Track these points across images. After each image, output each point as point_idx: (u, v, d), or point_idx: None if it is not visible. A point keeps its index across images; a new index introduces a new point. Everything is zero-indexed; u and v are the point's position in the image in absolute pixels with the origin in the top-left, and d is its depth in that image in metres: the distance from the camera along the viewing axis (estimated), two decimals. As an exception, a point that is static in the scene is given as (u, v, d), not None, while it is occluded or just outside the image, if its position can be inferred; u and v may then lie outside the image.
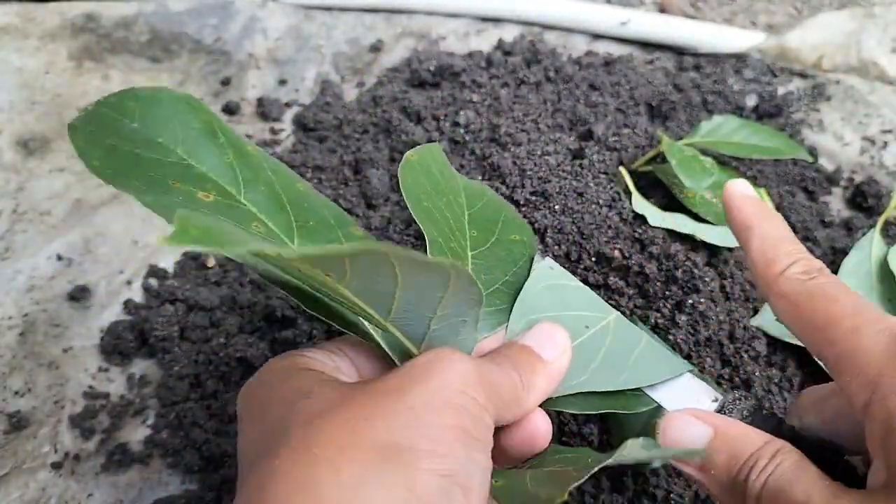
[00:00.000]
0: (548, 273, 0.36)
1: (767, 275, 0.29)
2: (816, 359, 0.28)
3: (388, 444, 0.23)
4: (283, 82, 0.70)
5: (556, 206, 0.48)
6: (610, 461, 0.25)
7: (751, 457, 0.26)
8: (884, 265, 0.49)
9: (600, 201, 0.49)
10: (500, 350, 0.30)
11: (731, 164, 0.58)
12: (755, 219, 0.30)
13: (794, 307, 0.28)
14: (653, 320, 0.45)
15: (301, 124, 0.66)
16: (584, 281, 0.46)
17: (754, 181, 0.58)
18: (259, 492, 0.22)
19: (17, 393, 0.49)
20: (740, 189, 0.31)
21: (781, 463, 0.25)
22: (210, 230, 0.19)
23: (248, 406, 0.28)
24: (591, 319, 0.34)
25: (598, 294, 0.46)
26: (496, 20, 0.76)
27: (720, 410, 0.31)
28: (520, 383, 0.28)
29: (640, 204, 0.49)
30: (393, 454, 0.22)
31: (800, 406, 0.31)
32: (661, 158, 0.54)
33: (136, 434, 0.48)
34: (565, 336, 0.30)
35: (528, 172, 0.51)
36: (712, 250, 0.49)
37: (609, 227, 0.48)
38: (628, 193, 0.51)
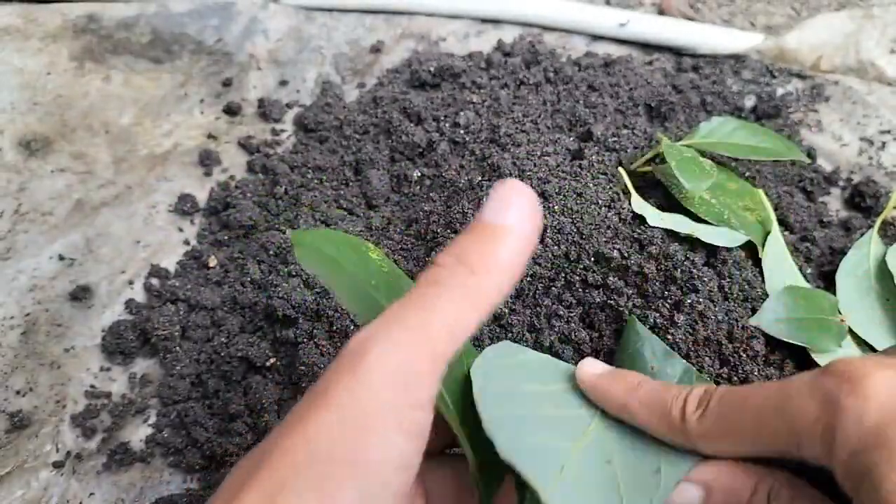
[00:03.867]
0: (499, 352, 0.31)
1: (677, 431, 0.27)
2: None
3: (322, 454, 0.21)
4: (284, 83, 0.71)
5: (556, 207, 0.48)
6: None
7: None
8: (882, 265, 0.49)
9: (599, 201, 0.49)
10: (447, 254, 0.25)
11: (729, 164, 0.58)
12: (620, 393, 0.28)
13: (723, 436, 0.26)
14: (651, 320, 0.45)
15: (302, 125, 0.66)
16: (584, 281, 0.47)
17: (753, 181, 0.58)
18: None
19: (18, 392, 0.49)
20: (587, 374, 0.30)
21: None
22: None
23: None
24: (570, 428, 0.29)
25: (598, 294, 0.46)
26: (496, 21, 0.77)
27: None
28: (476, 287, 0.24)
29: (639, 204, 0.50)
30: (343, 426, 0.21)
31: None
32: (659, 159, 0.54)
33: (137, 433, 0.48)
34: (529, 195, 0.26)
35: (528, 173, 0.51)
36: (711, 250, 0.49)
37: (608, 227, 0.48)
38: (627, 194, 0.51)
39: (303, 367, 0.46)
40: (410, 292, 0.24)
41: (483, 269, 0.24)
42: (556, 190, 0.49)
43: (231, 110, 0.67)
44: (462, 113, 0.60)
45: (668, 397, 0.28)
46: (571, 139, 0.57)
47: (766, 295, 0.47)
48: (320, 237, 0.30)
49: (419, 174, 0.58)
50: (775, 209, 0.55)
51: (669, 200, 0.53)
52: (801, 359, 0.46)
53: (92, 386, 0.50)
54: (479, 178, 0.53)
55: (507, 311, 0.46)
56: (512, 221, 0.25)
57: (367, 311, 0.28)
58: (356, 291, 0.29)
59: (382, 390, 0.22)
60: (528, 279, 0.46)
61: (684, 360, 0.43)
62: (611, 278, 0.46)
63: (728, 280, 0.47)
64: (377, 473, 0.21)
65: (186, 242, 0.58)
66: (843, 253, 0.52)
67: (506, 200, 0.25)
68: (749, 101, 0.68)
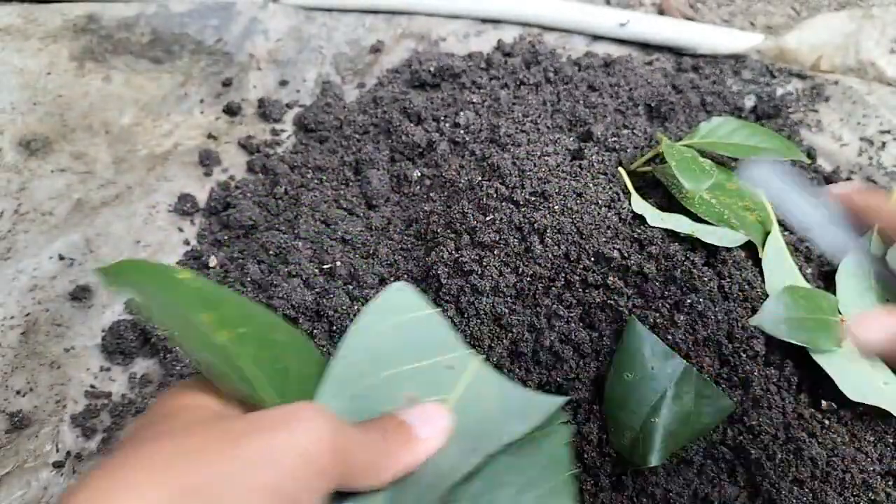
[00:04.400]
0: (396, 303, 0.31)
1: None
2: None
3: (190, 487, 0.21)
4: (284, 83, 0.71)
5: (556, 207, 0.48)
6: None
7: None
8: (882, 265, 0.49)
9: (599, 202, 0.49)
10: (376, 420, 0.28)
11: (729, 164, 0.58)
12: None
13: None
14: (651, 320, 0.45)
15: (302, 125, 0.66)
16: (584, 281, 0.47)
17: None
18: None
19: (18, 392, 0.49)
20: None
21: None
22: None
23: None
24: (449, 367, 0.30)
25: (598, 294, 0.46)
26: (496, 21, 0.77)
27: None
28: (385, 454, 0.27)
29: (639, 204, 0.50)
30: (189, 499, 0.21)
31: None
32: (659, 159, 0.54)
33: (137, 433, 0.48)
34: (447, 419, 0.29)
35: (528, 173, 0.51)
36: (711, 250, 0.49)
37: (608, 227, 0.48)
38: (627, 194, 0.51)
39: (303, 367, 0.46)
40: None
41: (393, 460, 0.27)
42: (556, 190, 0.49)
43: (231, 110, 0.67)
44: (462, 113, 0.60)
45: None
46: (571, 139, 0.57)
47: (766, 295, 0.47)
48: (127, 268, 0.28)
49: (419, 174, 0.58)
50: (775, 209, 0.55)
51: (669, 200, 0.53)
52: (801, 359, 0.46)
53: (92, 386, 0.50)
54: (479, 178, 0.53)
55: (507, 310, 0.46)
56: (426, 435, 0.28)
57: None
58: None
59: None
60: (529, 279, 0.47)
61: (684, 360, 0.43)
62: (611, 278, 0.46)
63: (728, 280, 0.47)
64: None
65: (186, 242, 0.58)
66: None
67: (430, 418, 0.29)
68: (749, 101, 0.68)
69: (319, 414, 0.25)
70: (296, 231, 0.54)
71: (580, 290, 0.46)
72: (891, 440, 0.45)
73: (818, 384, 0.46)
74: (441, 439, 0.28)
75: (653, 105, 0.64)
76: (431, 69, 0.66)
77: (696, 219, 0.50)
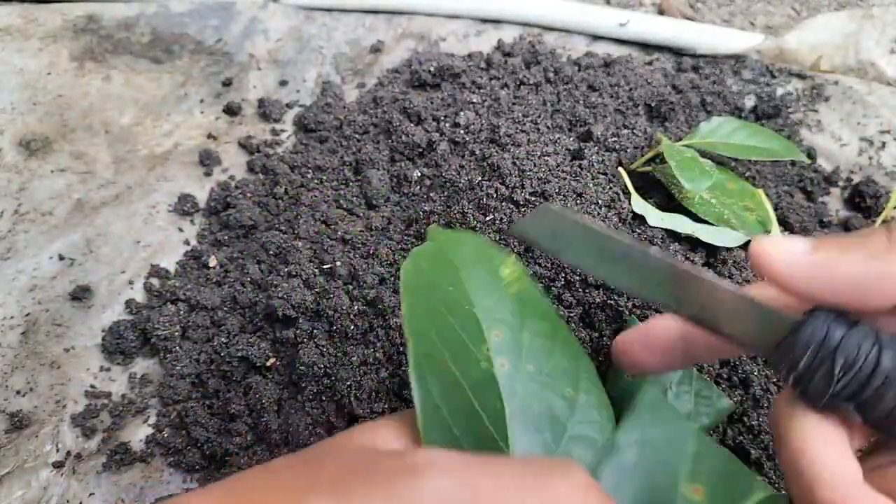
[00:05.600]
0: None
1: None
2: None
3: None
4: (283, 83, 0.71)
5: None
6: None
7: None
8: None
9: (599, 202, 0.49)
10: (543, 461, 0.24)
11: (729, 164, 0.58)
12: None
13: None
14: (652, 320, 0.45)
15: (302, 125, 0.66)
16: (584, 280, 0.47)
17: (752, 181, 0.58)
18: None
19: (18, 392, 0.49)
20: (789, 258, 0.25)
21: None
22: None
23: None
24: None
25: (598, 294, 0.46)
26: (496, 21, 0.77)
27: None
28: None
29: (639, 204, 0.50)
30: None
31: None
32: (659, 159, 0.54)
33: (137, 433, 0.48)
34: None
35: (528, 173, 0.51)
36: (711, 250, 0.49)
37: (608, 227, 0.48)
38: (627, 194, 0.51)
39: (302, 367, 0.46)
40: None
41: None
42: (556, 190, 0.49)
43: (231, 110, 0.67)
44: (462, 113, 0.60)
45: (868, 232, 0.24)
46: (571, 139, 0.57)
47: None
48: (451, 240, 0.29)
49: (419, 174, 0.58)
50: (775, 209, 0.55)
51: (670, 200, 0.53)
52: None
53: (92, 386, 0.50)
54: (479, 178, 0.53)
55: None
56: None
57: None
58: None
59: None
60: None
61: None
62: (611, 278, 0.46)
63: (728, 280, 0.47)
64: None
65: (186, 242, 0.58)
66: (842, 253, 0.52)
67: None
68: (749, 102, 0.68)
69: (580, 469, 0.22)
70: (296, 231, 0.54)
71: (580, 289, 0.46)
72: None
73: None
74: None
75: (653, 105, 0.64)
76: (431, 69, 0.66)
77: (696, 219, 0.50)
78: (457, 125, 0.60)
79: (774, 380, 0.45)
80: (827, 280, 0.23)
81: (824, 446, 0.23)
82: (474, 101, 0.62)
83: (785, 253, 0.24)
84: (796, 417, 0.24)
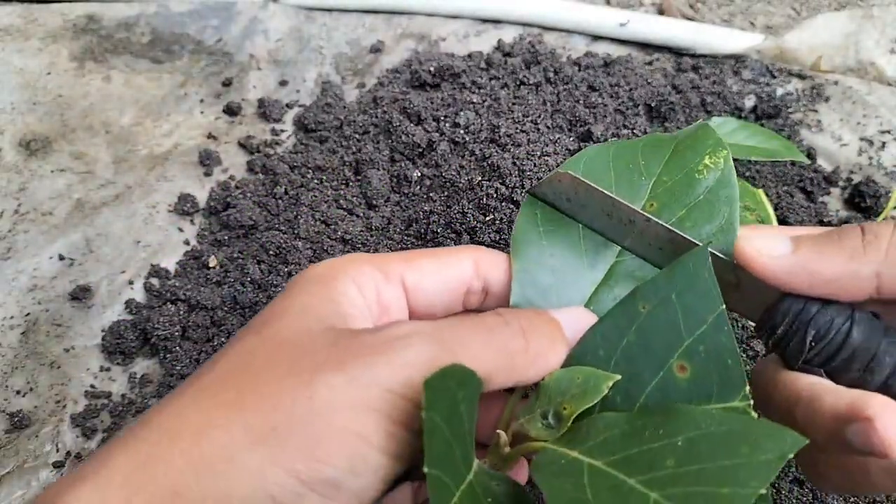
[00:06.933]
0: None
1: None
2: None
3: (268, 428, 0.21)
4: (283, 83, 0.71)
5: (556, 207, 0.48)
6: None
7: None
8: None
9: (599, 201, 0.49)
10: (519, 312, 0.27)
11: (729, 164, 0.58)
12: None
13: None
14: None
15: (302, 125, 0.66)
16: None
17: (752, 181, 0.58)
18: (143, 426, 0.23)
19: (18, 392, 0.49)
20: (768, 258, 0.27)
21: None
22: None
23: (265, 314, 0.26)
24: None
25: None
26: (496, 21, 0.77)
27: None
28: (523, 350, 0.26)
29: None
30: (265, 439, 0.21)
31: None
32: (660, 159, 0.54)
33: (137, 433, 0.48)
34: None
35: (528, 173, 0.51)
36: (711, 250, 0.49)
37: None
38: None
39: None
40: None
41: (535, 356, 0.26)
42: (556, 190, 0.49)
43: (231, 110, 0.67)
44: (462, 113, 0.60)
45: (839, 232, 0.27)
46: (571, 139, 0.57)
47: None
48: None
49: (419, 174, 0.58)
50: (775, 209, 0.55)
51: (669, 200, 0.53)
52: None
53: (92, 386, 0.50)
54: (479, 178, 0.53)
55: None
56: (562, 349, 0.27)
57: None
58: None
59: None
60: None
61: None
62: (611, 278, 0.46)
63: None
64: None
65: (186, 242, 0.58)
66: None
67: (581, 324, 0.28)
68: (749, 102, 0.68)
69: (427, 334, 0.24)
70: (296, 231, 0.54)
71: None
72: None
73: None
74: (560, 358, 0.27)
75: (653, 105, 0.64)
76: (431, 69, 0.66)
77: (696, 219, 0.50)
78: (457, 125, 0.60)
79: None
80: (806, 277, 0.26)
81: (809, 376, 0.26)
82: (474, 101, 0.62)
83: (767, 252, 0.26)
84: (780, 371, 0.27)
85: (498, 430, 0.27)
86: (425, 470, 0.20)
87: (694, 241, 0.28)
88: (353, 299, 0.27)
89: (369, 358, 0.23)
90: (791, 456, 0.20)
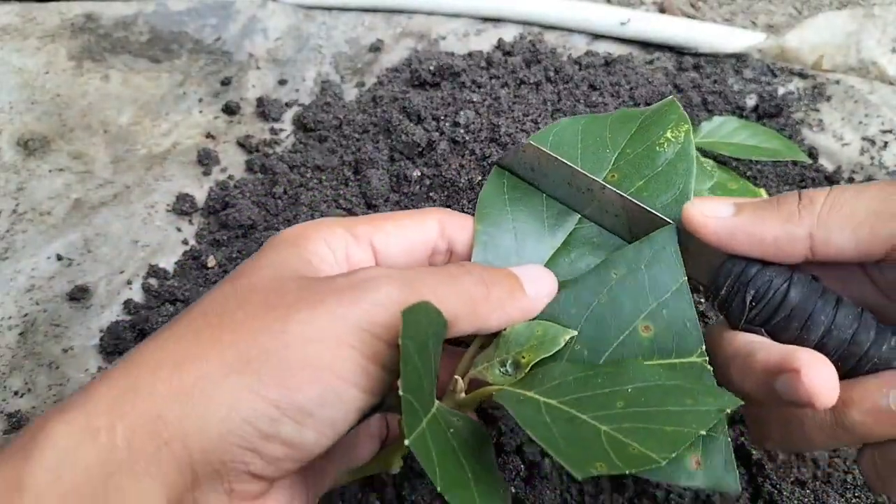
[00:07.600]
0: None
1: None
2: None
3: (246, 358, 0.23)
4: (283, 82, 0.70)
5: (556, 207, 0.48)
6: None
7: None
8: None
9: (600, 201, 0.49)
10: (480, 265, 0.29)
11: (731, 164, 0.58)
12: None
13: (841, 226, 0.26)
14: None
15: (301, 124, 0.66)
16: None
17: (754, 181, 0.58)
18: (127, 363, 0.24)
19: (16, 393, 0.49)
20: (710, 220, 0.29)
21: None
22: None
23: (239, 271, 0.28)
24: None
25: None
26: (496, 20, 0.76)
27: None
28: (485, 297, 0.27)
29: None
30: (241, 369, 0.23)
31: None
32: (660, 158, 0.54)
33: (136, 434, 0.48)
34: (553, 284, 0.30)
35: (528, 172, 0.51)
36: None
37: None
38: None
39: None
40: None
41: (494, 305, 0.28)
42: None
43: (230, 109, 0.67)
44: (462, 112, 0.60)
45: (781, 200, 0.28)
46: (572, 139, 0.57)
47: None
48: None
49: (419, 174, 0.58)
50: (777, 209, 0.55)
51: (670, 200, 0.52)
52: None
53: (90, 386, 0.49)
54: (479, 178, 0.53)
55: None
56: (531, 293, 0.29)
57: None
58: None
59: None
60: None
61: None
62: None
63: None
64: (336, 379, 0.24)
65: (185, 242, 0.58)
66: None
67: (539, 280, 0.30)
68: (750, 101, 0.68)
69: (394, 279, 0.25)
70: (295, 231, 0.54)
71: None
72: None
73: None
74: (546, 302, 0.29)
75: (653, 104, 0.63)
76: (431, 68, 0.66)
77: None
78: (457, 124, 0.59)
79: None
80: (746, 238, 0.27)
81: (747, 334, 0.28)
82: (474, 100, 0.62)
83: (711, 214, 0.28)
84: (724, 330, 0.29)
85: (455, 376, 0.28)
86: (400, 393, 0.21)
87: (646, 207, 0.30)
88: (323, 256, 0.28)
89: (340, 296, 0.24)
90: (729, 411, 0.24)
